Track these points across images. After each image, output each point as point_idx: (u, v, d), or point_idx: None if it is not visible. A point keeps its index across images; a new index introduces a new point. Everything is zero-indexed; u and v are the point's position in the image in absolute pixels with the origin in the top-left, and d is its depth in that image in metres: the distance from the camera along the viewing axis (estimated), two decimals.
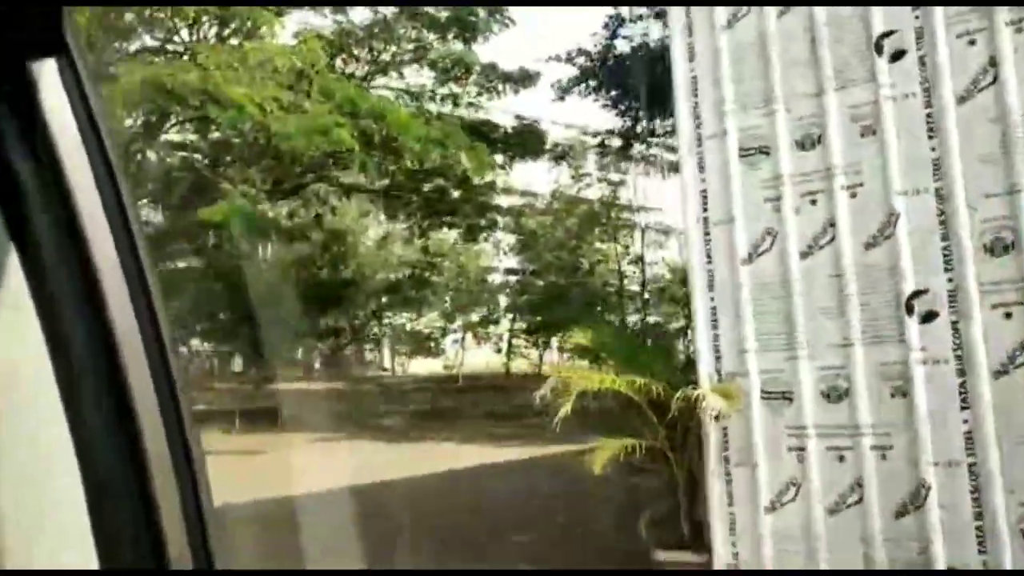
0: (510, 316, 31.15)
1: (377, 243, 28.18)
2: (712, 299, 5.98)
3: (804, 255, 5.66)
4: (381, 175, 22.58)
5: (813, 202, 5.67)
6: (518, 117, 23.44)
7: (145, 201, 24.83)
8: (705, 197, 6.08)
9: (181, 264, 26.04)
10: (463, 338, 29.57)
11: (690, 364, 6.63)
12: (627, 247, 31.70)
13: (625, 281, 31.93)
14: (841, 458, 5.46)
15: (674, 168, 30.24)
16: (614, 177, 31.35)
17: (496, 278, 31.09)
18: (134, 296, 1.03)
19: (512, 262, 31.60)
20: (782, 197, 5.76)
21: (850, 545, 5.38)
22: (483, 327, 30.52)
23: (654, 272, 33.00)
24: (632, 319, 32.49)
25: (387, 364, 31.33)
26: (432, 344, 28.75)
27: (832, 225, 5.58)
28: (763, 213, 5.83)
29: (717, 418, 5.68)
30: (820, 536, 5.46)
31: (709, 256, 6.01)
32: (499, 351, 30.89)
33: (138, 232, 1.07)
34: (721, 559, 5.77)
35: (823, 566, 5.43)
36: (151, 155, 22.25)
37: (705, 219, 6.06)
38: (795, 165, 5.74)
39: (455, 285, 29.06)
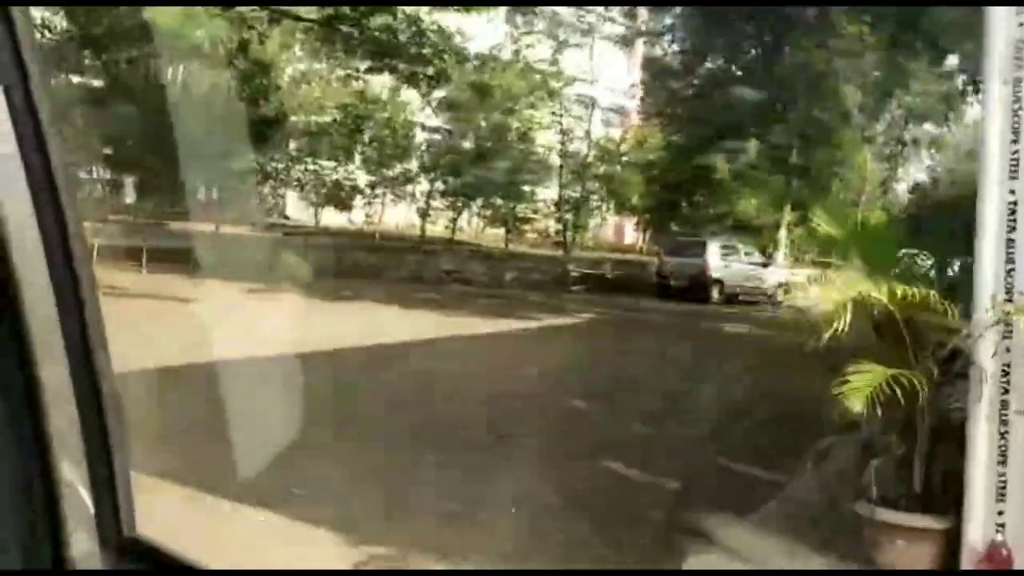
0: (430, 176, 29.06)
1: (305, 80, 25.19)
2: (1012, 192, 4.31)
3: None
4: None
5: None
6: None
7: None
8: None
9: (80, 79, 22.72)
10: (384, 194, 27.29)
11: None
12: (560, 115, 29.87)
13: (552, 152, 30.27)
14: None
15: (625, 42, 28.46)
16: (558, 43, 29.29)
17: (424, 135, 28.74)
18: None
19: (438, 120, 29.26)
20: None
21: None
22: (403, 184, 28.31)
23: (575, 146, 31.34)
24: (551, 193, 31.03)
25: (299, 213, 28.74)
26: (359, 196, 26.30)
27: None
28: None
29: None
30: None
31: (1016, 132, 4.30)
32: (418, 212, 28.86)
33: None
34: (977, 527, 4.31)
35: None
36: None
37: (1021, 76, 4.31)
38: None
39: (381, 137, 26.55)
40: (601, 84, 33.30)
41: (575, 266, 24.55)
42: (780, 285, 23.41)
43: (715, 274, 21.97)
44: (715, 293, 21.93)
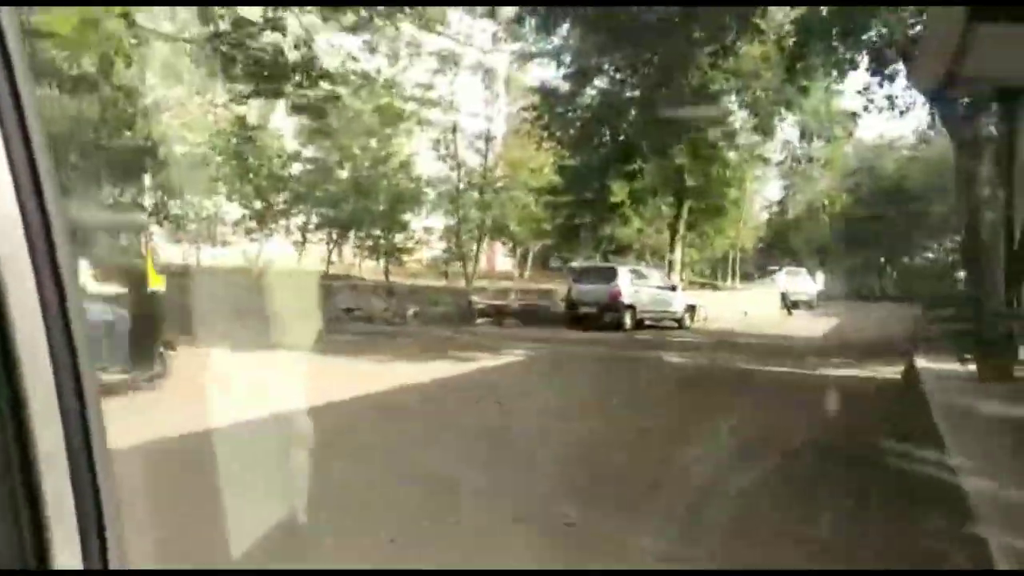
0: (303, 208, 26.88)
1: (173, 106, 22.36)
2: None
3: None
4: (206, 20, 17.53)
5: None
6: None
7: None
8: None
9: None
10: (263, 230, 24.81)
11: None
12: (442, 143, 28.37)
13: (433, 181, 28.69)
14: None
15: (486, 70, 27.26)
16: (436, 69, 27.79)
17: (297, 165, 26.42)
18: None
19: (311, 149, 27.00)
20: None
21: None
22: (278, 218, 25.96)
23: (457, 174, 29.84)
24: (432, 222, 29.41)
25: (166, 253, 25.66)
26: (241, 233, 23.64)
27: None
28: None
29: None
30: None
31: None
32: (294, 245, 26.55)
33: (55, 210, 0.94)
34: None
35: None
36: None
37: None
38: None
39: (255, 168, 24.09)
40: (485, 111, 31.95)
41: (479, 297, 22.91)
42: (688, 308, 22.66)
43: (627, 300, 20.93)
44: (627, 319, 20.88)
